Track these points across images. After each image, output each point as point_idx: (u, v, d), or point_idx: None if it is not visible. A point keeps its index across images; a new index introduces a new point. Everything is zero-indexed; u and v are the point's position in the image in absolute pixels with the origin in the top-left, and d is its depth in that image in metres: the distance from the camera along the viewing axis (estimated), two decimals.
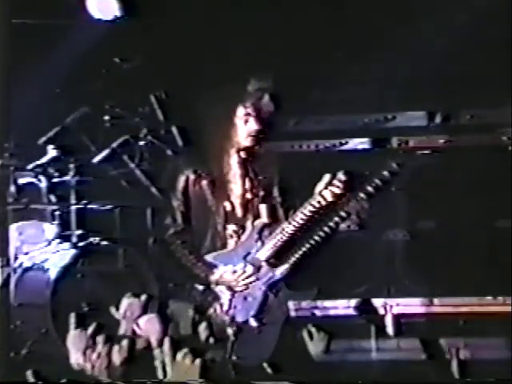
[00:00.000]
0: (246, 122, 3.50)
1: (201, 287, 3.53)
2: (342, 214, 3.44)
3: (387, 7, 3.40)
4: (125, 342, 3.53)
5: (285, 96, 3.47)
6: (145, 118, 3.54)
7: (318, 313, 3.47)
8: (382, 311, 3.44)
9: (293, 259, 3.46)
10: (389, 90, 3.41)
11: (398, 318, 3.42)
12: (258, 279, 3.51)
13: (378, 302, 3.44)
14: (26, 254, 3.58)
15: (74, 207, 3.59)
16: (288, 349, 3.47)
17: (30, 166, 3.59)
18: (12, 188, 3.59)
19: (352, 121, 3.43)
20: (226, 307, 3.52)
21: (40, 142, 3.56)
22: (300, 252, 3.45)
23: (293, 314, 3.49)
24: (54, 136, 3.57)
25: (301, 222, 3.45)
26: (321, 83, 3.43)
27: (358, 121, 3.43)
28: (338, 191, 3.42)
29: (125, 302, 3.54)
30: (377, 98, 3.42)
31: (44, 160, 3.58)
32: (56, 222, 3.58)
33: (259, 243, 3.50)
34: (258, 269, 3.51)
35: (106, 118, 3.54)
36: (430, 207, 3.41)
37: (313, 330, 3.46)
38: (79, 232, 3.57)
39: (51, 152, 3.57)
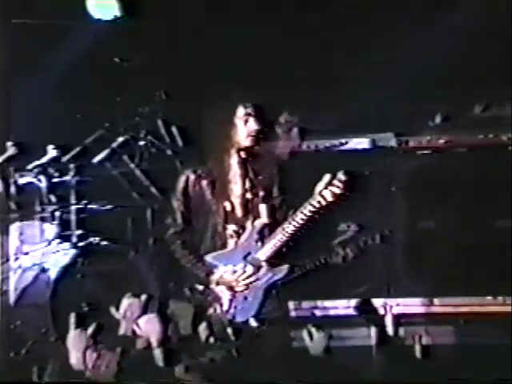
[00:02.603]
0: (246, 122, 3.50)
1: (201, 287, 3.53)
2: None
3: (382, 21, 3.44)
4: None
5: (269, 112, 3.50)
6: (145, 118, 3.54)
7: (317, 313, 3.47)
8: (381, 311, 3.45)
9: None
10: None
11: (398, 318, 3.43)
12: (258, 279, 3.50)
13: (378, 302, 3.44)
14: (26, 254, 3.58)
15: (73, 207, 3.58)
16: (288, 349, 3.47)
17: (30, 166, 3.58)
18: (12, 188, 3.58)
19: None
20: (225, 307, 3.52)
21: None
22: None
23: (293, 313, 3.49)
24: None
25: (301, 221, 3.45)
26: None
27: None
28: (338, 191, 3.43)
29: (125, 302, 3.54)
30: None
31: (44, 160, 3.58)
32: (56, 222, 3.58)
33: (259, 243, 3.50)
34: (258, 269, 3.50)
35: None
36: (429, 207, 3.41)
37: (313, 330, 3.46)
38: (79, 232, 3.57)
39: (51, 152, 3.57)
